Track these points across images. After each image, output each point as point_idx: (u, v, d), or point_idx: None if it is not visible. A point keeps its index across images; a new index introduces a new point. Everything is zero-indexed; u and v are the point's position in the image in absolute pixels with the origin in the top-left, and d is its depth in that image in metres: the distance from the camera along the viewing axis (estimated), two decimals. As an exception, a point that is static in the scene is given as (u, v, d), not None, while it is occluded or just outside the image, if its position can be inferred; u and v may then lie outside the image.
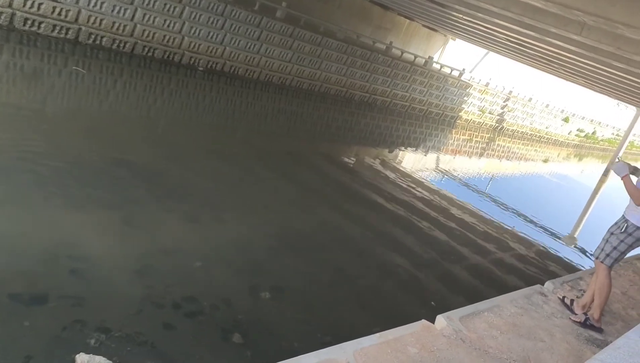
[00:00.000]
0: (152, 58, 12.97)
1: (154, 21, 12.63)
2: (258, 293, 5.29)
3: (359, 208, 9.52)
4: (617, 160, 5.08)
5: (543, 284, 5.80)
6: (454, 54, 25.97)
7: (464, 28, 15.10)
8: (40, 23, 10.84)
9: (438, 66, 23.88)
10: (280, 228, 7.29)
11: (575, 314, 5.05)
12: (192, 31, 13.48)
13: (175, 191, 7.14)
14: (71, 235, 5.15)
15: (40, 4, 10.64)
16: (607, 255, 4.81)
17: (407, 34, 23.22)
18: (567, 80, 21.14)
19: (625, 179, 4.67)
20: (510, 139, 29.37)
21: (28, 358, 3.52)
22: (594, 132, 40.05)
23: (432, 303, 6.55)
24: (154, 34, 12.75)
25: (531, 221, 13.11)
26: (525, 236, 11.54)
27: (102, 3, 11.60)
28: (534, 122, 31.96)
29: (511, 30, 10.32)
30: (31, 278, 4.32)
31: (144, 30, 12.53)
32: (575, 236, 13.90)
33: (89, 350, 3.56)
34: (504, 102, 28.54)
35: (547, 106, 32.40)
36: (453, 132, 24.73)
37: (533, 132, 32.33)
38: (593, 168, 32.70)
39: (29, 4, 10.47)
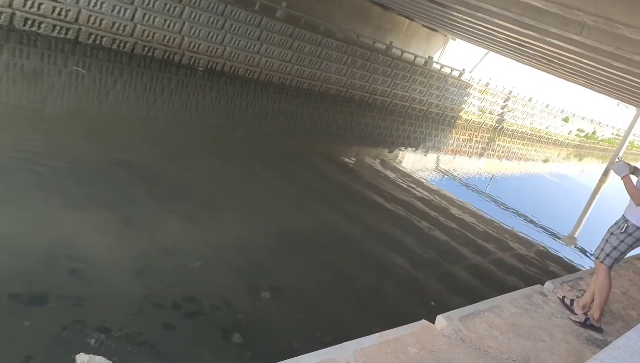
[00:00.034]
0: (152, 58, 12.97)
1: (154, 21, 12.63)
2: (258, 293, 5.29)
3: (359, 208, 9.52)
4: (617, 160, 5.07)
5: (543, 284, 5.80)
6: (454, 54, 25.98)
7: (464, 28, 15.10)
8: (40, 23, 10.84)
9: (438, 66, 23.88)
10: (280, 228, 7.29)
11: (575, 314, 5.05)
12: (192, 31, 13.48)
13: (175, 191, 7.14)
14: (71, 235, 5.15)
15: (40, 4, 10.64)
16: (607, 255, 4.81)
17: (407, 34, 23.22)
18: (567, 80, 21.14)
19: (625, 179, 4.67)
20: (510, 139, 29.37)
21: (28, 358, 3.52)
22: (594, 133, 40.06)
23: (432, 303, 6.55)
24: (154, 34, 12.75)
25: (531, 221, 13.11)
26: (525, 236, 11.54)
27: (102, 3, 11.60)
28: (534, 122, 31.96)
29: (511, 30, 10.32)
30: (31, 278, 4.32)
31: (144, 30, 12.53)
32: (575, 236, 13.90)
33: (89, 350, 3.56)
34: (504, 102, 28.54)
35: (547, 106, 32.40)
36: (453, 132, 24.73)
37: (533, 133, 32.34)
38: (593, 168, 32.71)
39: (29, 4, 10.47)
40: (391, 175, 12.62)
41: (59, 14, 11.04)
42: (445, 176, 15.76)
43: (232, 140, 11.08)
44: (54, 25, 11.07)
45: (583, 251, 12.05)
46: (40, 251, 4.67)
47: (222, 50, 14.30)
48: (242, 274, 5.67)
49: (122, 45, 12.32)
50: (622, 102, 28.98)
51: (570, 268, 10.02)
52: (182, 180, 7.60)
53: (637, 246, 4.90)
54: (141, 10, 12.31)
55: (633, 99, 18.13)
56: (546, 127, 33.35)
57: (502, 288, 6.74)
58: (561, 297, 5.41)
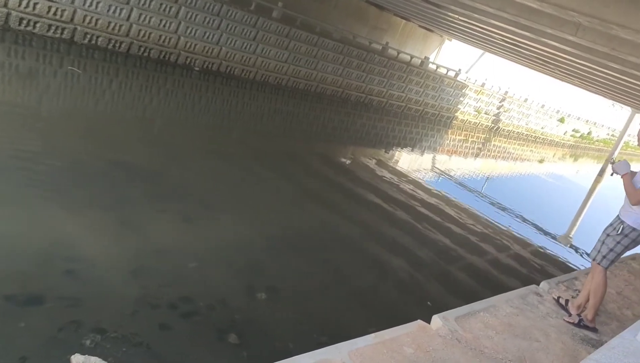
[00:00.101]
0: (148, 58, 12.96)
1: (149, 21, 12.62)
2: (254, 294, 5.29)
3: (355, 208, 9.52)
4: (612, 161, 5.07)
5: (538, 284, 5.82)
6: (450, 55, 26.03)
7: (460, 29, 15.13)
8: (35, 23, 10.81)
9: (434, 67, 23.92)
10: (277, 228, 7.28)
11: (570, 314, 5.07)
12: (188, 31, 13.46)
13: (171, 191, 7.13)
14: (67, 235, 5.14)
15: (35, 4, 10.62)
16: (604, 257, 4.81)
17: (403, 34, 23.26)
18: (562, 80, 21.21)
19: (625, 177, 4.65)
20: (506, 140, 29.43)
21: (24, 359, 3.51)
22: (589, 133, 40.20)
23: (428, 303, 6.56)
24: (150, 34, 12.73)
25: (527, 221, 13.15)
26: (521, 236, 11.57)
27: (97, 3, 11.58)
28: (529, 122, 32.06)
29: (507, 31, 10.35)
30: (27, 279, 4.31)
31: (139, 30, 12.51)
32: (571, 236, 13.95)
33: (84, 351, 3.55)
34: (499, 102, 28.61)
35: (543, 106, 32.50)
36: (449, 132, 24.76)
37: (529, 133, 32.43)
38: (588, 168, 32.80)
39: (24, 3, 10.45)
40: (388, 175, 12.63)
41: (55, 13, 11.01)
42: (442, 177, 15.79)
43: (228, 140, 11.07)
44: (50, 25, 11.04)
45: (578, 251, 12.09)
46: (36, 252, 4.66)
47: (218, 50, 14.29)
48: (239, 274, 5.67)
49: (117, 45, 12.30)
50: (617, 103, 29.10)
51: (566, 268, 10.05)
52: (178, 180, 7.58)
53: (633, 247, 4.91)
54: (137, 10, 12.29)
55: (628, 100, 18.20)
56: (542, 128, 33.45)
57: (498, 288, 6.75)
58: (556, 298, 5.43)
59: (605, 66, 9.71)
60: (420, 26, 23.11)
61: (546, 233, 12.74)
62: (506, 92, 28.74)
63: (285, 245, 6.85)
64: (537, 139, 33.27)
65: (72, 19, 11.35)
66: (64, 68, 10.52)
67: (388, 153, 16.15)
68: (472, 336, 4.05)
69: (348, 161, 13.40)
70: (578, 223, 15.96)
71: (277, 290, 5.55)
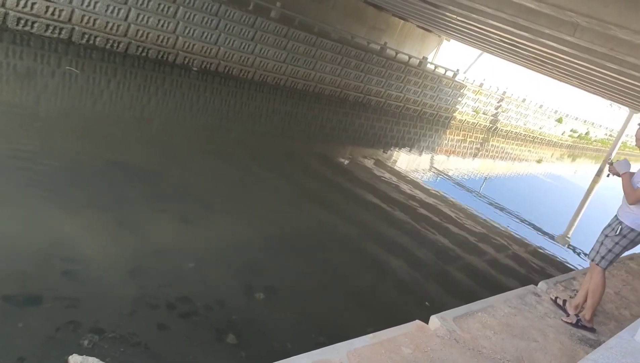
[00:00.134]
0: (146, 58, 12.94)
1: (147, 21, 12.60)
2: (252, 294, 5.29)
3: (354, 208, 9.52)
4: (609, 162, 5.06)
5: (536, 284, 5.82)
6: (448, 55, 26.04)
7: (458, 29, 15.13)
8: (33, 23, 10.80)
9: (432, 67, 23.93)
10: (275, 228, 7.28)
11: (568, 315, 5.07)
12: (186, 31, 13.45)
13: (170, 191, 7.12)
14: (65, 236, 5.13)
15: (33, 4, 10.60)
16: (603, 258, 4.81)
17: (401, 34, 23.26)
18: (560, 81, 21.22)
19: (625, 176, 4.65)
20: (504, 140, 29.47)
21: (21, 360, 3.50)
22: (587, 133, 40.26)
23: (426, 303, 6.56)
24: (148, 33, 12.72)
25: (525, 221, 13.16)
26: (519, 236, 11.58)
27: (95, 3, 11.56)
28: (527, 122, 32.09)
29: (505, 31, 10.35)
30: (25, 279, 4.30)
31: (137, 30, 12.50)
32: (569, 236, 13.96)
33: (82, 351, 3.55)
34: (497, 102, 28.64)
35: (541, 106, 32.54)
36: (447, 132, 24.78)
37: (527, 133, 32.46)
38: (586, 168, 32.86)
39: (22, 3, 10.43)
40: (386, 175, 12.64)
41: (52, 13, 11.00)
42: (440, 177, 15.80)
43: (226, 140, 11.07)
44: (47, 25, 11.03)
45: (576, 251, 12.11)
46: (34, 252, 4.66)
47: (217, 50, 14.28)
48: (237, 274, 5.66)
49: (115, 45, 12.29)
50: (615, 103, 29.15)
51: (564, 268, 10.06)
52: (176, 180, 7.58)
53: (632, 248, 4.91)
54: (135, 10, 12.28)
55: (626, 100, 18.22)
56: (540, 128, 33.49)
57: (496, 288, 6.76)
58: (553, 298, 5.43)
59: (603, 66, 9.72)
60: (418, 26, 23.11)
61: (544, 233, 12.76)
62: (504, 92, 28.77)
63: (284, 245, 6.85)
64: (535, 140, 33.31)
65: (70, 19, 11.33)
66: (61, 68, 10.50)
67: (386, 153, 16.16)
68: (470, 336, 4.05)
69: (346, 161, 13.40)
70: (576, 223, 15.98)
71: (276, 290, 5.56)
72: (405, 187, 12.06)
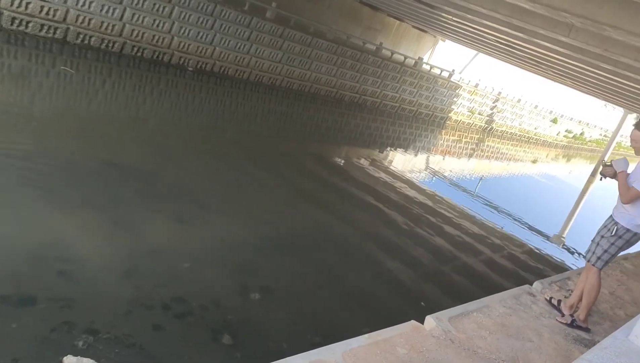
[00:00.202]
0: (141, 58, 12.91)
1: (143, 21, 12.57)
2: (248, 294, 5.28)
3: (349, 208, 9.53)
4: (604, 163, 5.06)
5: (531, 284, 5.83)
6: (444, 55, 26.11)
7: (454, 29, 15.15)
8: (28, 22, 10.76)
9: (428, 67, 23.97)
10: (270, 228, 7.27)
11: (563, 315, 5.09)
12: (182, 31, 13.43)
13: (164, 191, 7.10)
14: (60, 236, 5.11)
15: (28, 3, 10.56)
16: (599, 258, 4.81)
17: (397, 35, 23.29)
18: (555, 81, 21.28)
19: (621, 175, 4.64)
20: (499, 140, 29.54)
21: (16, 361, 3.49)
22: (582, 133, 40.40)
23: (422, 303, 6.57)
24: (143, 33, 12.69)
25: (520, 222, 13.20)
26: (514, 236, 11.61)
27: (90, 2, 11.53)
28: (522, 123, 32.19)
29: (500, 31, 10.37)
30: (19, 279, 4.28)
31: (133, 30, 12.47)
32: (564, 236, 14.01)
33: (77, 352, 3.53)
34: (493, 103, 28.71)
35: (536, 107, 32.64)
36: (443, 133, 24.82)
37: (522, 133, 32.56)
38: (581, 168, 32.96)
39: (16, 3, 10.39)
40: (382, 176, 12.65)
41: (47, 13, 10.96)
42: (435, 177, 15.82)
43: (222, 140, 11.05)
44: (42, 25, 10.99)
45: (571, 251, 12.14)
46: (29, 252, 4.64)
47: (212, 50, 14.26)
48: (233, 274, 5.66)
49: (110, 45, 12.26)
50: (610, 104, 29.25)
51: (559, 268, 10.09)
52: (172, 180, 7.57)
53: (627, 248, 4.92)
54: (130, 10, 12.25)
55: (620, 101, 18.29)
56: (535, 128, 33.59)
57: (491, 288, 6.77)
58: (548, 298, 5.44)
59: (598, 67, 9.75)
60: (414, 27, 23.16)
61: (539, 233, 12.79)
62: (499, 93, 28.85)
63: (279, 245, 6.84)
64: (530, 140, 33.41)
65: (64, 19, 11.30)
66: (56, 68, 10.47)
67: (382, 153, 16.17)
68: (466, 336, 4.06)
69: (342, 161, 13.41)
70: (571, 224, 16.03)
71: (271, 291, 5.55)
72: (400, 187, 12.07)
